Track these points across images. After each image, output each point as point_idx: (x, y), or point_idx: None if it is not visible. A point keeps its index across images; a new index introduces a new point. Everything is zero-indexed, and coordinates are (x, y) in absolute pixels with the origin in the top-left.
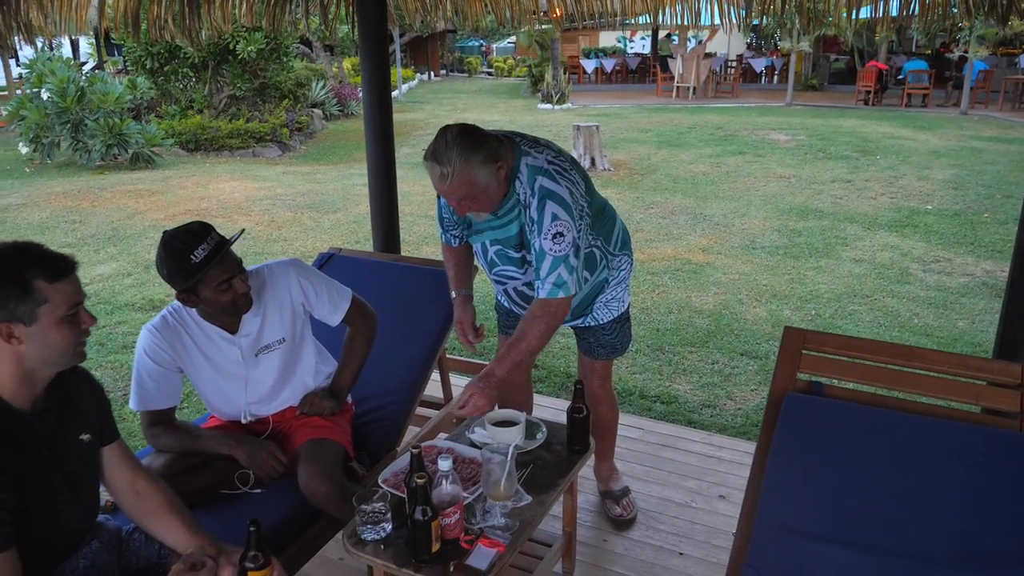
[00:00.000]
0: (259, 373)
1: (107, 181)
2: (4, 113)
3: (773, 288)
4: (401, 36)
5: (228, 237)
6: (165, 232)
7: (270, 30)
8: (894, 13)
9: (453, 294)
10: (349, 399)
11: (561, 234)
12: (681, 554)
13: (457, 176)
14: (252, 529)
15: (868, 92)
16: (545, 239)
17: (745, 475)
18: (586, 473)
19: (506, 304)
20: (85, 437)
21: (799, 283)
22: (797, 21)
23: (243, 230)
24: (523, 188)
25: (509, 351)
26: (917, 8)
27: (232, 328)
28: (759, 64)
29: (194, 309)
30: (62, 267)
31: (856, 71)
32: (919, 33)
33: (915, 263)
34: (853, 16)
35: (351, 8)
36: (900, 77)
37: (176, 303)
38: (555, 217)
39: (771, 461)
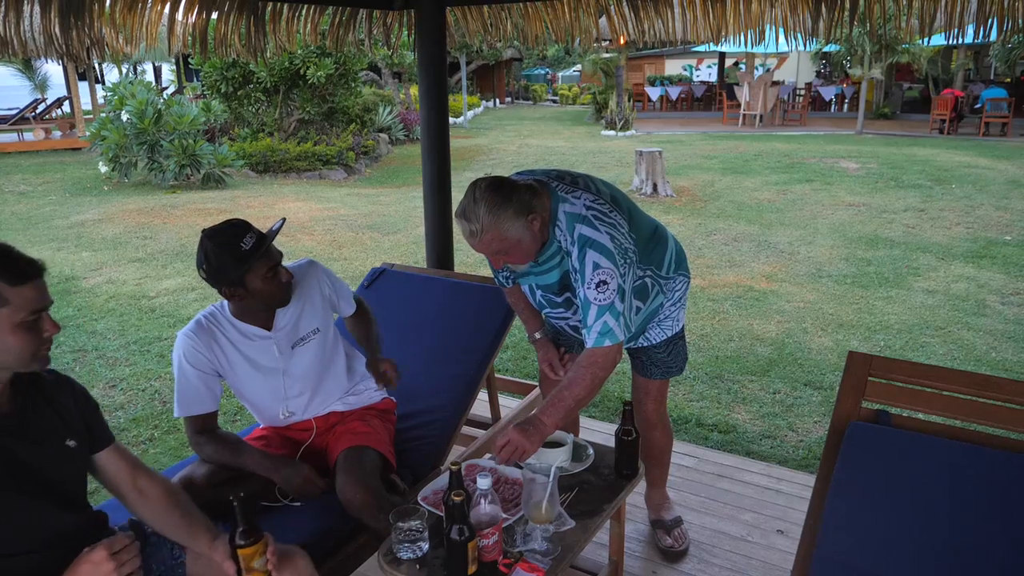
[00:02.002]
0: (295, 366)
1: (178, 200)
2: (88, 134)
3: (840, 318)
4: (468, 64)
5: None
6: (205, 230)
7: (333, 48)
8: (968, 40)
9: (537, 335)
10: (394, 405)
11: (604, 283)
12: None
13: (487, 233)
14: (235, 504)
15: (943, 120)
16: (589, 288)
17: (806, 509)
18: (637, 501)
19: (557, 326)
20: (71, 443)
21: (868, 313)
22: (868, 48)
23: (284, 219)
24: (563, 236)
25: (555, 400)
26: (994, 33)
27: (267, 324)
28: (828, 92)
29: (228, 311)
30: (27, 271)
31: (931, 100)
32: (998, 61)
33: (993, 295)
34: (926, 43)
35: (413, 31)
36: (977, 106)
37: (210, 308)
38: (596, 266)
39: (832, 493)
